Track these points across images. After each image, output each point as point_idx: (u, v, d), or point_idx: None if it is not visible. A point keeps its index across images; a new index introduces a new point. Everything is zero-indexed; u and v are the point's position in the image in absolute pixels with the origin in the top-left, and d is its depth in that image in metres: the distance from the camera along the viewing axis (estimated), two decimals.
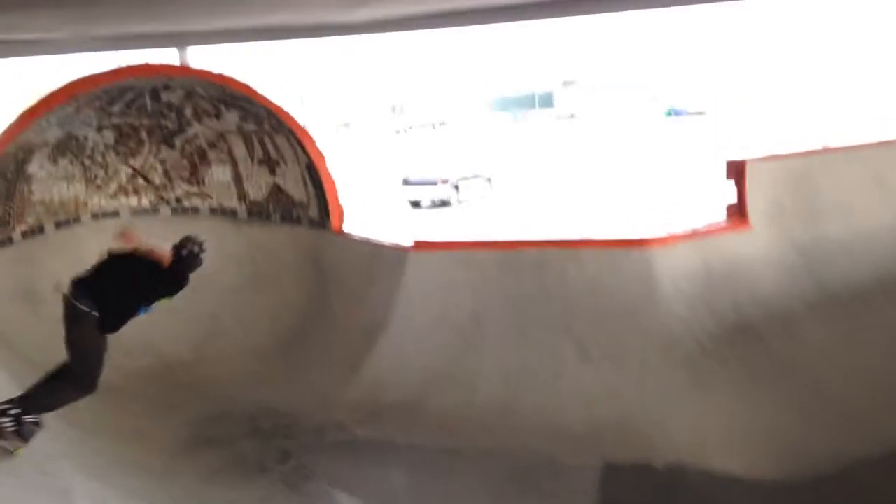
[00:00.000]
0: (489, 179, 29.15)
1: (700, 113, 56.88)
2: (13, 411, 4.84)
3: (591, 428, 5.70)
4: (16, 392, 5.06)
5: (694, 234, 6.58)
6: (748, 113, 50.86)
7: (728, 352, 6.01)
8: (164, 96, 8.07)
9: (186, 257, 5.43)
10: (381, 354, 6.74)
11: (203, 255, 5.50)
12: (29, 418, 4.87)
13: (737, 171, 6.87)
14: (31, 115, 7.07)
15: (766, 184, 6.86)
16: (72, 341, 5.14)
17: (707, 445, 5.37)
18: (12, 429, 4.79)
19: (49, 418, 5.67)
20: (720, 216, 6.94)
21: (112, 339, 7.55)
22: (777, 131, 36.50)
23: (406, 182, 28.02)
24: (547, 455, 5.55)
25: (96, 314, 5.12)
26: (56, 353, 7.10)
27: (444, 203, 27.26)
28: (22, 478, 4.48)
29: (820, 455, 5.22)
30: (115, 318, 5.24)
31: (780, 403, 5.66)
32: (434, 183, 27.37)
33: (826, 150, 7.44)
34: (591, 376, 6.00)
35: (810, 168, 7.11)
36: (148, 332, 7.81)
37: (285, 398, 6.72)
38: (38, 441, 4.92)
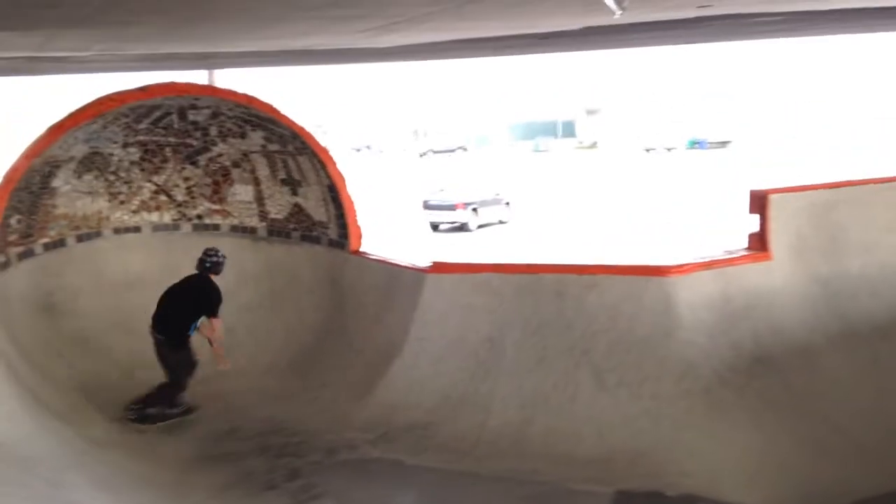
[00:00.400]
0: (508, 204, 29.19)
1: (723, 144, 56.70)
2: (137, 405, 6.75)
3: (605, 455, 5.63)
4: (28, 400, 5.32)
5: (714, 264, 6.53)
6: (771, 145, 50.66)
7: (745, 382, 5.93)
8: (191, 115, 8.19)
9: (211, 266, 7.01)
10: (395, 375, 6.72)
11: (223, 261, 7.08)
12: (152, 410, 6.74)
13: (760, 202, 6.83)
14: (58, 131, 7.19)
15: (789, 215, 6.81)
16: (159, 359, 6.87)
17: (721, 476, 5.28)
18: (133, 418, 6.67)
19: (61, 430, 5.74)
20: (741, 246, 6.89)
21: (130, 353, 7.69)
22: (800, 163, 36.29)
23: (426, 205, 28.13)
24: (559, 481, 5.48)
25: (161, 337, 6.82)
26: (73, 365, 7.19)
27: (463, 227, 27.33)
28: (32, 489, 4.49)
29: (834, 489, 5.12)
30: (174, 338, 6.83)
31: (797, 436, 5.57)
32: (453, 207, 27.46)
33: (850, 184, 7.38)
34: (606, 403, 5.94)
35: (834, 201, 7.05)
36: None
37: (297, 416, 6.72)
38: (50, 454, 5.08)
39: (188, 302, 6.84)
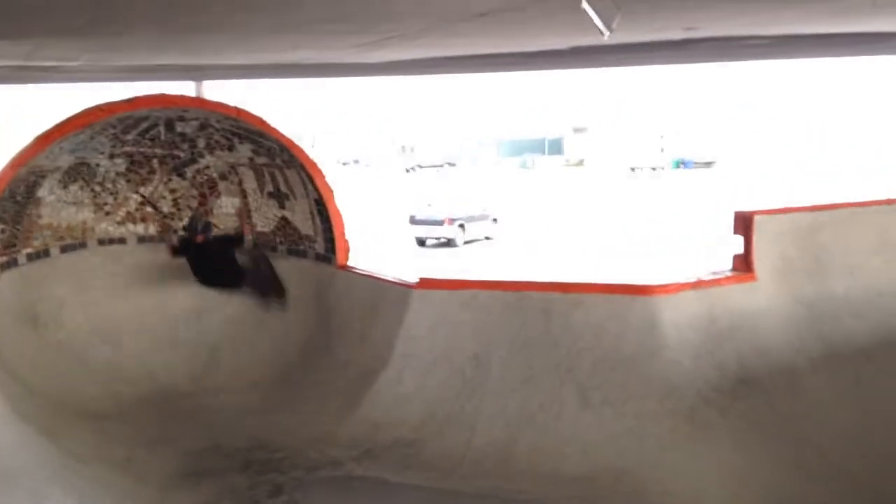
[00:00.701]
0: (495, 220, 29.25)
1: (708, 164, 57.19)
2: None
3: (589, 474, 5.62)
4: (9, 411, 5.27)
5: (699, 284, 6.57)
6: (756, 166, 51.14)
7: (729, 403, 5.95)
8: (179, 127, 8.16)
9: (205, 227, 8.16)
10: (380, 392, 6.68)
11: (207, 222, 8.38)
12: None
13: (744, 223, 6.89)
14: (44, 141, 7.15)
15: (774, 237, 6.86)
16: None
17: (704, 496, 5.29)
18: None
19: (42, 443, 5.67)
20: (726, 267, 6.93)
21: (113, 366, 7.64)
22: (785, 185, 36.64)
23: (413, 220, 28.14)
24: (543, 499, 5.47)
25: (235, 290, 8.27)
26: (55, 377, 7.13)
27: (450, 242, 27.35)
28: (15, 500, 4.42)
29: None
30: (237, 283, 8.22)
31: (779, 457, 5.58)
32: (440, 222, 27.49)
33: (835, 206, 7.45)
34: (591, 422, 5.94)
35: (819, 223, 7.12)
36: (147, 361, 7.84)
37: (280, 432, 6.66)
38: (31, 467, 5.03)
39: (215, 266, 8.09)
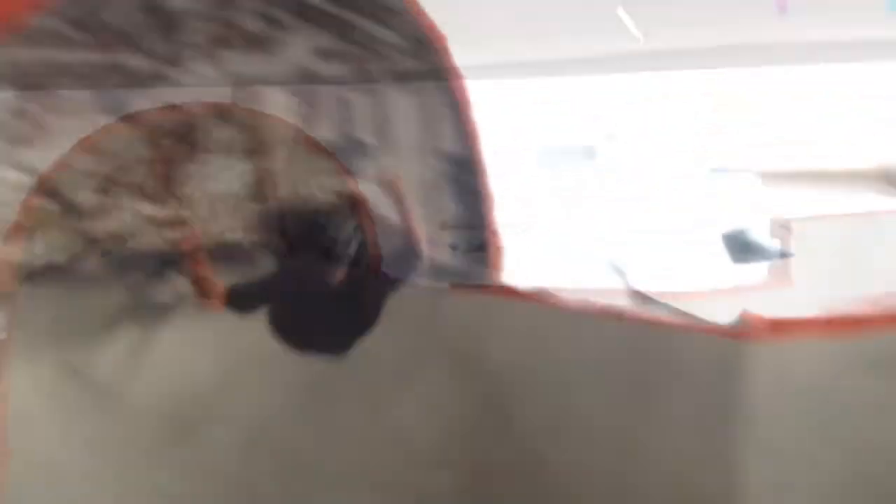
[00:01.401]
0: (527, 227, 29.26)
1: (746, 171, 56.68)
2: None
3: (618, 490, 5.64)
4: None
5: (734, 289, 6.51)
6: (795, 172, 50.48)
7: (763, 414, 5.91)
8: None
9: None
10: None
11: None
12: None
13: (781, 229, 6.83)
14: (81, 150, 7.31)
15: (812, 244, 6.79)
16: None
17: None
18: None
19: (88, 462, 5.79)
20: (763, 273, 6.87)
21: (149, 383, 7.82)
22: (825, 192, 36.11)
23: (445, 226, 28.26)
24: None
25: None
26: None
27: (481, 248, 27.40)
28: None
29: None
30: None
31: (818, 466, 5.54)
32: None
33: (875, 214, 7.34)
34: (624, 435, 5.94)
35: (859, 231, 7.01)
36: (183, 370, 7.95)
37: (314, 441, 6.75)
38: (75, 491, 5.19)
39: None
